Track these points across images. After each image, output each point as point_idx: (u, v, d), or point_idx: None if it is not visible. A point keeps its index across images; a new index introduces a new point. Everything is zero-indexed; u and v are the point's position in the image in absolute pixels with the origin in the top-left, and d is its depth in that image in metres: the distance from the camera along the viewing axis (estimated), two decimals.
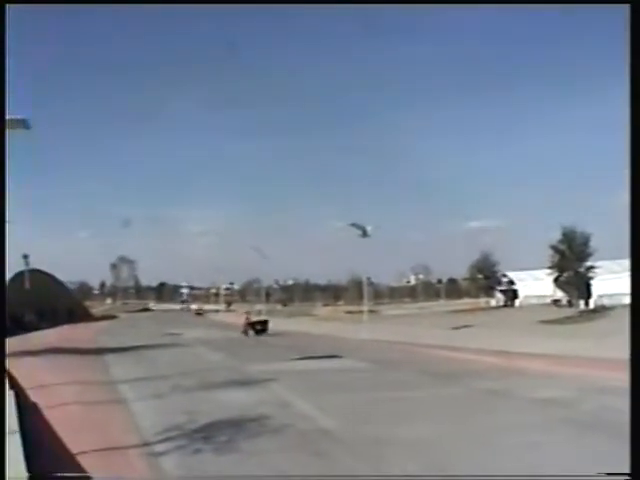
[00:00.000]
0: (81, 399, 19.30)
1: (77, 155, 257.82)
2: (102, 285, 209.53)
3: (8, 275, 66.19)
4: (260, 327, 55.48)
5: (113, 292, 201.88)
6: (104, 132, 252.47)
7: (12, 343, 39.82)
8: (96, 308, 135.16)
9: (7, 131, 10.06)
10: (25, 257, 72.75)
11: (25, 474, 9.42)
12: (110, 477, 8.17)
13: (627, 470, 7.21)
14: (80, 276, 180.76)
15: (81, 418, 16.51)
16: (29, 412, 16.44)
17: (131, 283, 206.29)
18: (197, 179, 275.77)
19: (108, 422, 16.39)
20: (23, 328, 57.46)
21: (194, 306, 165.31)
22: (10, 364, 27.09)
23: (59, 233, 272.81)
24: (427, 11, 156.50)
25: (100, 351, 37.52)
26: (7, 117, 22.00)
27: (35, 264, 76.43)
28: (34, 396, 19.50)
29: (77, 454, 12.42)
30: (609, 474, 8.06)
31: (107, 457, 12.47)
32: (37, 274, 77.03)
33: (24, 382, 22.26)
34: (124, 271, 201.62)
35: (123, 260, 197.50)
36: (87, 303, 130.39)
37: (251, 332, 54.71)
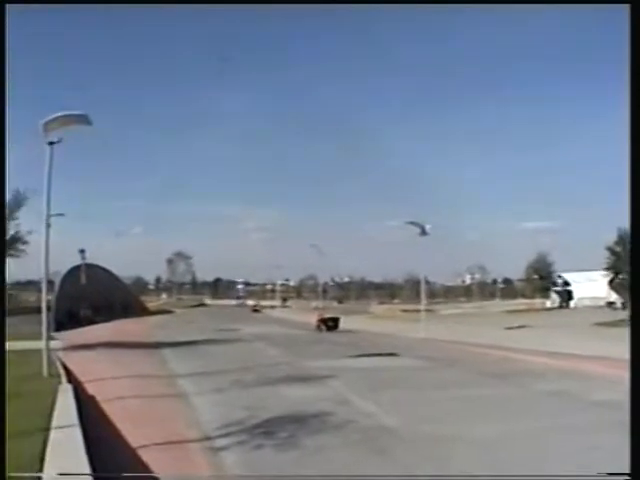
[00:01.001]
0: (140, 393, 19.46)
1: (134, 152, 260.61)
2: (158, 280, 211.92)
3: (64, 270, 67.42)
4: (332, 324, 56.64)
5: (169, 287, 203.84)
6: (160, 129, 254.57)
7: (68, 337, 40.60)
8: (152, 303, 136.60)
9: (7, 131, 9.99)
10: (81, 252, 73.76)
11: (87, 468, 9.37)
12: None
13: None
14: (136, 271, 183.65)
15: (140, 412, 16.58)
16: (87, 406, 16.55)
17: (187, 279, 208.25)
18: (255, 177, 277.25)
19: (168, 416, 16.46)
20: (79, 322, 58.38)
21: (250, 302, 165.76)
22: (67, 358, 27.60)
23: (116, 228, 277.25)
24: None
25: (157, 345, 37.83)
26: (67, 113, 22.49)
27: (91, 259, 77.47)
28: (92, 389, 19.69)
29: (137, 448, 12.46)
30: (609, 474, 7.95)
31: (167, 451, 12.50)
32: (93, 269, 77.98)
33: (81, 376, 22.55)
34: (180, 266, 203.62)
35: (179, 256, 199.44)
36: (142, 298, 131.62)
37: (323, 328, 55.26)
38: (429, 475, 9.35)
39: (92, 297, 71.87)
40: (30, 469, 9.49)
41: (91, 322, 61.37)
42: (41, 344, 23.81)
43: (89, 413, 15.24)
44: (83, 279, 71.34)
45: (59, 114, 22.16)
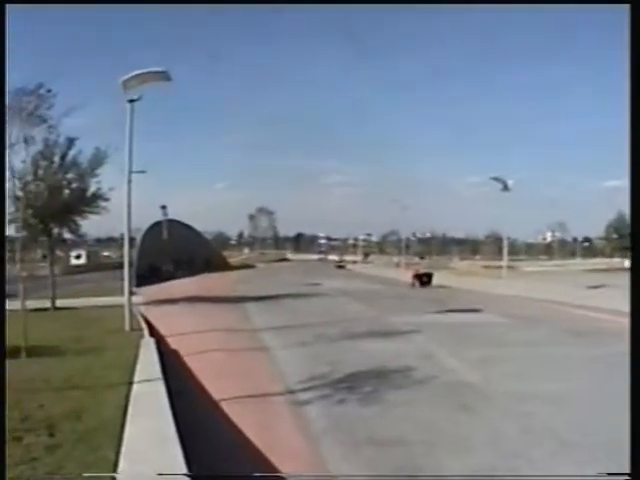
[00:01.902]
0: (223, 347, 19.76)
1: (216, 107, 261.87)
2: (240, 235, 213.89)
3: (146, 226, 68.51)
4: (426, 279, 56.79)
5: (251, 242, 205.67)
6: (243, 85, 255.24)
7: (150, 292, 41.31)
8: (234, 258, 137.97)
9: (6, 130, 9.99)
10: (163, 208, 74.44)
11: (170, 421, 9.54)
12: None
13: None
14: (218, 227, 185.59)
15: (223, 365, 16.81)
16: (170, 360, 16.93)
17: (269, 234, 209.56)
18: (336, 130, 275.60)
19: (251, 370, 16.65)
20: (160, 277, 59.31)
21: (332, 257, 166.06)
22: (149, 312, 28.16)
23: (197, 184, 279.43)
24: None
25: (240, 299, 38.08)
26: (148, 70, 22.64)
27: (173, 215, 78.42)
28: (174, 344, 20.10)
29: (220, 401, 12.67)
30: (610, 474, 7.66)
31: (250, 405, 12.64)
32: (175, 224, 78.76)
33: (164, 330, 23.03)
34: (262, 222, 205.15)
35: (262, 211, 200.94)
36: (225, 253, 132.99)
37: (417, 283, 55.45)
38: (430, 475, 9.20)
39: (174, 252, 72.88)
40: (113, 421, 9.72)
41: (173, 277, 62.21)
42: (123, 299, 24.37)
43: (172, 367, 15.59)
44: (165, 235, 72.22)
45: (138, 71, 22.31)
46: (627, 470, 6.88)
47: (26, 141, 17.93)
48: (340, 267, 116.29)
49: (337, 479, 8.87)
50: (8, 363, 15.12)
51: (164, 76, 22.92)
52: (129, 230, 25.32)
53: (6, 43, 9.56)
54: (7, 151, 10.01)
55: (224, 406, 12.29)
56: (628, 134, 8.02)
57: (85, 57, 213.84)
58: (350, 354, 18.59)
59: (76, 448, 8.64)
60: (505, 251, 62.46)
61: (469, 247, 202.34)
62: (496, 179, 55.78)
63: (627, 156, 7.92)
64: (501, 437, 10.54)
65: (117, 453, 8.23)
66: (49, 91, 18.83)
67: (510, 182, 55.28)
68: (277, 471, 8.98)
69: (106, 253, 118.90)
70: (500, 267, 63.73)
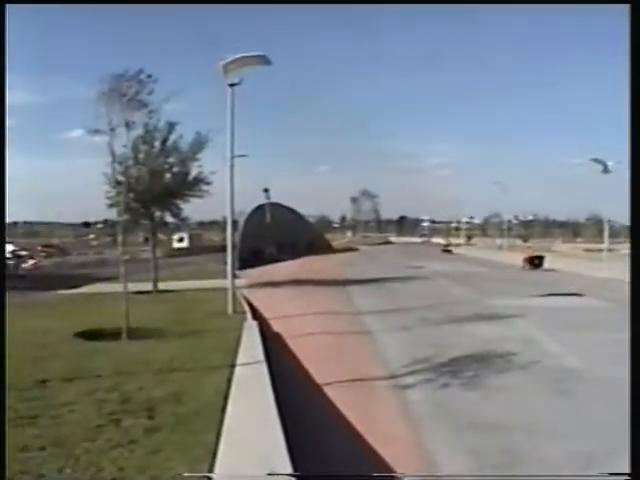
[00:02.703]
0: (326, 330, 19.68)
1: (316, 91, 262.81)
2: (342, 219, 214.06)
3: (248, 209, 69.25)
4: (537, 262, 56.53)
5: (353, 225, 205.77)
6: (340, 68, 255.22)
7: (253, 275, 41.69)
8: (336, 241, 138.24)
9: (6, 130, 9.81)
10: (266, 191, 75.11)
11: (272, 404, 9.40)
12: None
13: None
14: (320, 210, 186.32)
15: (325, 349, 16.74)
16: (273, 342, 16.92)
17: (372, 217, 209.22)
18: (437, 112, 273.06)
19: (354, 353, 16.52)
20: (263, 260, 59.83)
21: (435, 240, 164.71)
22: (251, 295, 28.30)
23: (299, 168, 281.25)
24: None
25: (343, 282, 38.06)
26: (246, 54, 22.62)
27: (276, 198, 78.96)
28: (277, 326, 20.13)
29: (322, 385, 12.55)
30: (610, 474, 7.42)
31: (353, 389, 12.51)
32: (277, 208, 79.35)
33: (267, 312, 23.10)
34: (365, 205, 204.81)
35: (365, 194, 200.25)
36: (327, 236, 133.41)
37: (528, 266, 55.37)
38: (430, 475, 8.82)
39: (276, 235, 73.46)
40: (214, 405, 9.65)
41: (275, 260, 62.69)
42: (226, 282, 24.49)
43: (275, 349, 15.56)
44: (268, 218, 72.87)
45: (238, 55, 22.32)
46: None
47: (127, 126, 18.01)
48: (447, 251, 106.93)
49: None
50: (109, 345, 15.48)
51: (264, 60, 22.87)
52: (232, 213, 25.42)
53: (6, 43, 9.45)
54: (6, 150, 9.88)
55: (326, 389, 12.18)
56: (628, 134, 7.97)
57: (182, 44, 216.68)
58: (453, 338, 18.41)
59: (175, 431, 8.57)
60: (606, 234, 60.97)
61: (570, 230, 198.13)
62: (596, 161, 54.48)
63: None
64: (600, 424, 10.30)
65: (217, 437, 8.12)
66: (149, 76, 18.94)
67: (610, 164, 53.94)
68: (376, 455, 8.88)
69: (209, 236, 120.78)
70: (601, 250, 62.27)
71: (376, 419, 10.70)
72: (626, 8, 8.07)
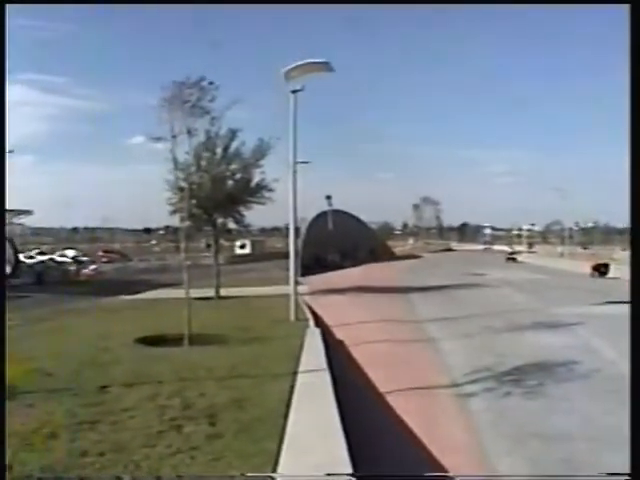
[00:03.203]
0: (388, 337, 19.56)
1: (378, 97, 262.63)
2: (404, 225, 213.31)
3: (310, 216, 69.34)
4: (603, 269, 56.36)
5: (415, 232, 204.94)
6: (405, 71, 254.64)
7: (315, 281, 41.66)
8: (398, 248, 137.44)
9: (6, 130, 9.72)
10: (328, 198, 75.15)
11: (335, 412, 9.29)
12: None
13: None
14: (382, 216, 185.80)
15: (388, 357, 16.60)
16: (335, 350, 16.77)
17: (433, 223, 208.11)
18: (500, 119, 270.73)
19: (416, 361, 16.38)
20: (325, 267, 59.78)
21: (497, 247, 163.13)
22: (314, 302, 28.21)
23: (361, 174, 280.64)
24: None
25: (404, 290, 37.84)
26: (308, 61, 22.59)
27: (337, 204, 78.91)
28: (340, 333, 20.06)
29: (385, 393, 12.46)
30: (609, 474, 7.32)
31: (414, 397, 12.38)
32: (340, 214, 79.24)
33: (329, 320, 23.02)
34: (427, 211, 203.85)
35: (426, 201, 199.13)
36: (389, 243, 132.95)
37: (596, 274, 55.96)
38: (429, 475, 8.59)
39: (339, 242, 73.36)
40: (277, 412, 9.57)
41: (338, 267, 62.61)
42: (288, 289, 24.43)
43: (337, 357, 15.42)
44: (330, 225, 72.87)
45: (300, 62, 22.30)
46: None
47: (189, 132, 18.11)
48: (511, 259, 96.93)
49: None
50: (171, 350, 15.52)
51: (326, 67, 22.80)
52: (295, 220, 25.42)
53: (6, 43, 9.44)
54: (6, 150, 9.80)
55: (388, 398, 12.09)
56: (628, 134, 7.80)
57: (242, 51, 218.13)
58: (514, 346, 18.22)
59: (237, 438, 8.50)
60: None
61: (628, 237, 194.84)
62: None
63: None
64: None
65: (279, 445, 8.03)
66: (211, 83, 19.09)
67: None
68: (438, 464, 8.77)
69: (271, 243, 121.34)
70: None
71: (438, 428, 10.63)
72: (626, 8, 8.08)
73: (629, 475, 6.51)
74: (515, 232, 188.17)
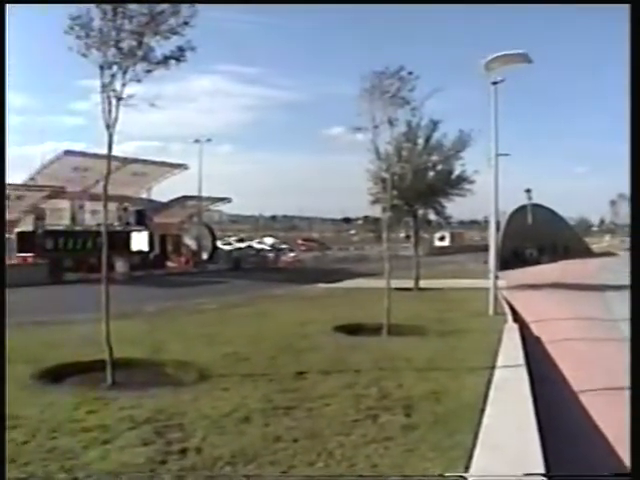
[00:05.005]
0: (584, 336, 18.60)
1: (574, 90, 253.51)
2: (601, 222, 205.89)
3: (507, 209, 67.90)
4: None
5: (612, 229, 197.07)
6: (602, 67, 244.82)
7: (513, 276, 40.63)
8: (594, 245, 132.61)
9: (6, 130, 9.38)
10: (527, 191, 73.13)
11: (530, 408, 8.88)
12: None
13: None
14: (579, 212, 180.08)
15: (584, 356, 15.82)
16: (532, 346, 16.21)
17: (629, 221, 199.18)
18: None
19: (611, 361, 15.45)
20: (523, 262, 58.30)
21: None
22: (512, 297, 27.48)
23: (558, 168, 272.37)
24: None
25: (601, 288, 36.24)
26: (508, 52, 22.05)
27: (534, 198, 76.85)
28: (536, 330, 19.37)
29: (579, 392, 11.89)
30: (610, 474, 7.09)
31: (611, 398, 11.63)
32: (538, 209, 77.06)
33: (527, 316, 22.34)
34: (623, 208, 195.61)
35: (623, 197, 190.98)
36: (586, 239, 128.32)
37: None
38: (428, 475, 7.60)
39: (537, 237, 71.27)
40: (473, 406, 9.34)
41: (536, 262, 60.97)
42: (486, 282, 23.96)
43: (534, 354, 14.92)
44: (529, 219, 70.99)
45: (500, 53, 21.85)
46: None
47: (390, 123, 17.96)
48: None
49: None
50: (369, 340, 15.47)
51: (525, 58, 22.19)
52: (496, 213, 24.90)
53: (6, 43, 9.31)
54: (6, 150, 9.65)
55: (583, 398, 11.47)
56: (628, 134, 7.76)
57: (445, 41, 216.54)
58: None
59: (432, 431, 8.31)
60: None
61: None
62: None
63: None
64: None
65: (474, 439, 7.79)
66: (410, 73, 18.80)
67: None
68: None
69: (470, 235, 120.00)
70: None
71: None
72: (626, 8, 7.98)
73: (630, 475, 6.32)
74: None
